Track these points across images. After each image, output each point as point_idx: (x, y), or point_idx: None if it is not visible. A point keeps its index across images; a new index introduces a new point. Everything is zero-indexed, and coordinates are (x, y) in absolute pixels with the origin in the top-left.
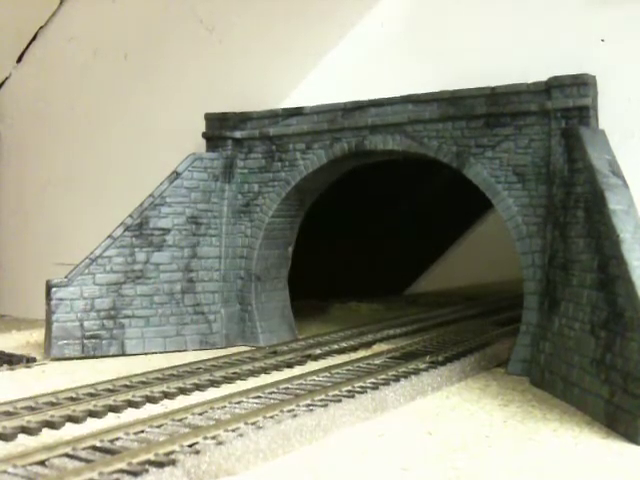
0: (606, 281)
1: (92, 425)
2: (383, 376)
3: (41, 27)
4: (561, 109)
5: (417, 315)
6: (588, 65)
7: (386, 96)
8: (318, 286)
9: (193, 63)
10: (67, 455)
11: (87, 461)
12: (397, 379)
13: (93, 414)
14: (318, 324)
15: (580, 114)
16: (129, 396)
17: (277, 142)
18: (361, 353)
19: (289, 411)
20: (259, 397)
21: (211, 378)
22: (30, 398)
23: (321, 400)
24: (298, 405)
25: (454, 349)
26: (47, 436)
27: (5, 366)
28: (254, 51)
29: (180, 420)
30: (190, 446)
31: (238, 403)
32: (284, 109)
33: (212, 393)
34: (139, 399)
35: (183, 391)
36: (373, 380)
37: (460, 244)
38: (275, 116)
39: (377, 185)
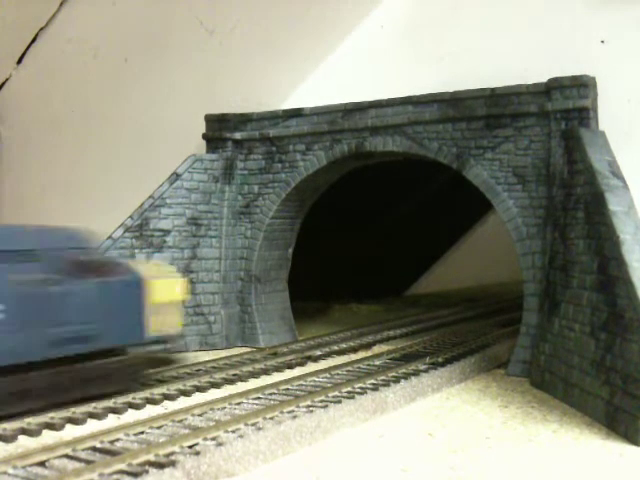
0: (606, 282)
1: (92, 426)
2: (383, 377)
3: (41, 29)
4: (561, 110)
5: (417, 316)
6: (588, 66)
7: (386, 97)
8: (318, 287)
9: (193, 64)
10: (67, 456)
11: (87, 462)
12: (397, 380)
13: (93, 415)
14: (318, 325)
15: (580, 115)
16: (129, 398)
17: (277, 143)
18: (361, 354)
19: (289, 412)
20: (259, 398)
21: (211, 380)
22: None
23: (321, 401)
24: (298, 406)
25: (454, 350)
26: (47, 437)
27: None
28: (254, 52)
29: (180, 421)
30: (190, 447)
31: (238, 404)
32: (284, 110)
33: (213, 394)
34: (139, 401)
35: (184, 393)
36: (373, 381)
37: (460, 245)
38: (275, 117)
39: (377, 186)
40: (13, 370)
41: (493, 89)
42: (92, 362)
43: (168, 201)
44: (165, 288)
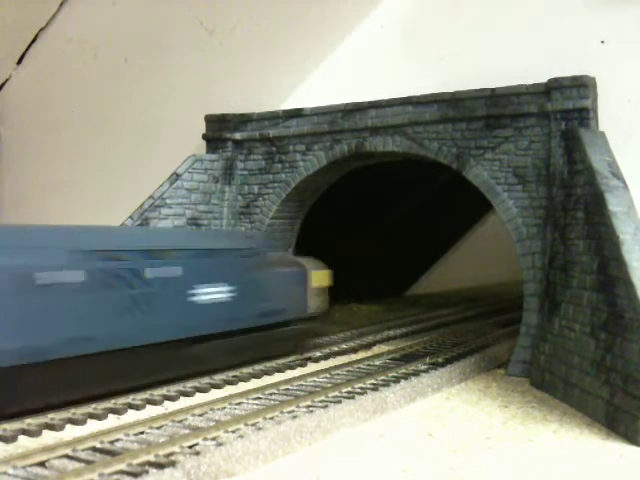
0: (606, 282)
1: (92, 427)
2: (383, 377)
3: (41, 29)
4: (561, 111)
5: (417, 316)
6: (588, 67)
7: (386, 97)
8: None
9: (193, 65)
10: (67, 456)
11: (87, 462)
12: (397, 380)
13: (93, 416)
14: (318, 325)
15: (580, 116)
16: (129, 399)
17: (277, 143)
18: (361, 354)
19: (289, 412)
20: (259, 398)
21: (211, 381)
22: None
23: (321, 401)
24: (298, 406)
25: (454, 350)
26: (47, 437)
27: None
28: (254, 53)
29: (180, 421)
30: (190, 447)
31: (238, 404)
32: (284, 110)
33: (214, 394)
34: (139, 402)
35: (184, 394)
36: (373, 381)
37: (460, 246)
38: (275, 117)
39: (377, 186)
40: (234, 334)
41: (493, 89)
42: (276, 330)
43: (168, 201)
44: (319, 277)
